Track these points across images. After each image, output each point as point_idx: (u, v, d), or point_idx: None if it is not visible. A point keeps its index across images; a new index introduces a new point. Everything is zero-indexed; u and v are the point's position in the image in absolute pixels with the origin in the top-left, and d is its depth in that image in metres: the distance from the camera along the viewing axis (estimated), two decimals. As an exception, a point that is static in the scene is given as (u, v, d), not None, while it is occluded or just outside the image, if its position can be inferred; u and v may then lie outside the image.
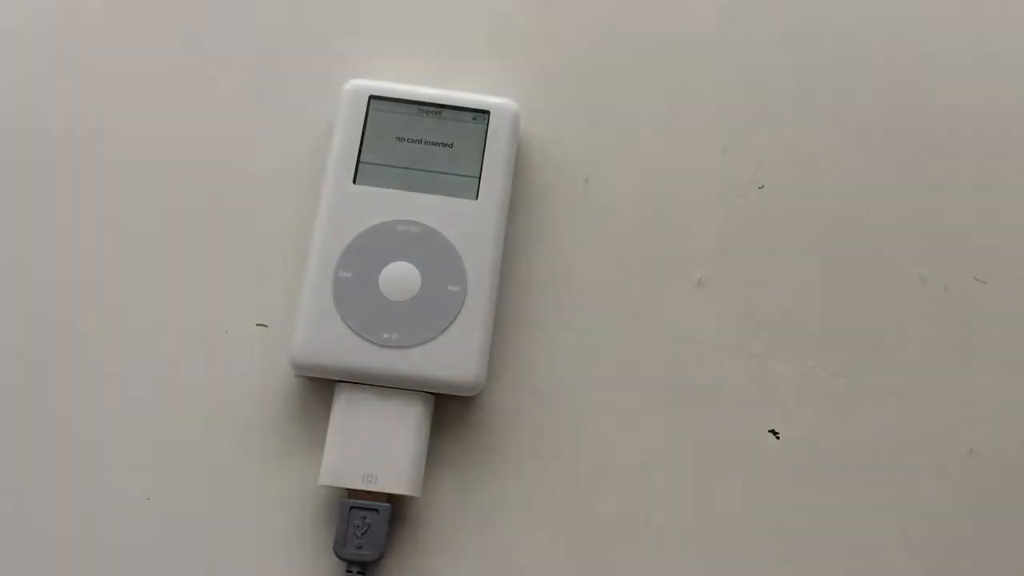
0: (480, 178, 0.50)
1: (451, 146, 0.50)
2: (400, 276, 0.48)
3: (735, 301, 0.52)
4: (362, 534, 0.46)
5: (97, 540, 0.47)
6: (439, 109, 0.51)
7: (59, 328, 0.50)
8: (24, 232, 0.52)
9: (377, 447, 0.46)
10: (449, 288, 0.48)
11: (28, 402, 0.49)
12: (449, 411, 0.49)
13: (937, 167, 0.56)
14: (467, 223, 0.49)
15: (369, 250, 0.48)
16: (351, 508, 0.46)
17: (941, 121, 0.57)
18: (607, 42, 0.57)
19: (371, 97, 0.51)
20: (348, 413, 0.47)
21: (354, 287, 0.48)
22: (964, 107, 0.57)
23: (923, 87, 0.57)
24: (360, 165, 0.49)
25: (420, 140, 0.50)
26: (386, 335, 0.47)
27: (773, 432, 0.50)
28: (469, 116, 0.51)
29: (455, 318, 0.47)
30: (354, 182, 0.49)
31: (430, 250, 0.48)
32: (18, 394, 0.49)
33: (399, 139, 0.50)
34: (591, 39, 0.57)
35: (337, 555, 0.46)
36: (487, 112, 0.51)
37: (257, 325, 0.50)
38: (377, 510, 0.46)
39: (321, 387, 0.49)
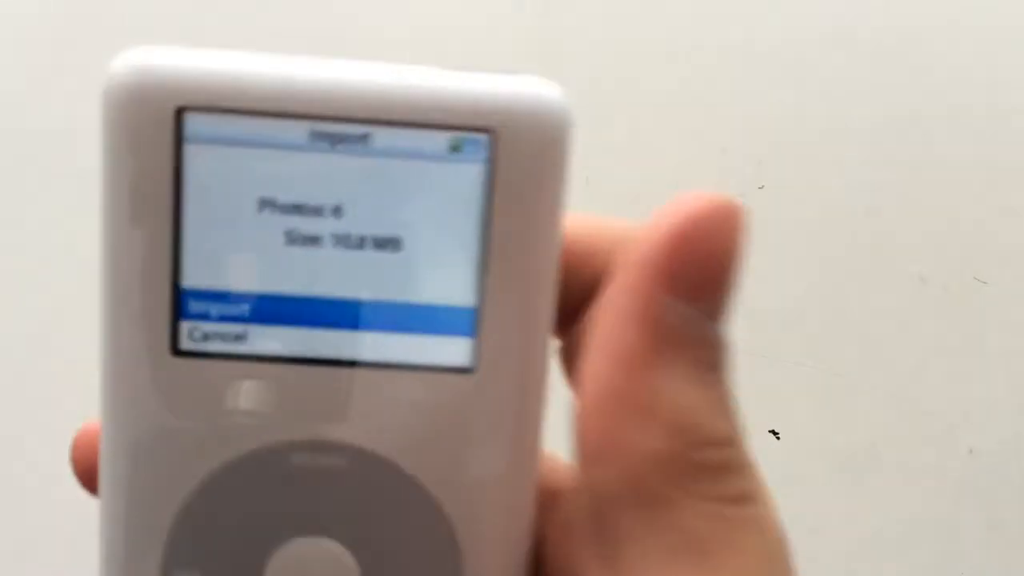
0: (481, 308, 0.22)
1: (402, 231, 0.22)
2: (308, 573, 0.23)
3: (736, 301, 0.52)
4: None
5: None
6: (364, 134, 0.21)
7: (58, 327, 0.50)
8: (23, 231, 0.52)
9: None
10: None
11: (28, 401, 0.49)
12: None
13: (938, 167, 0.56)
14: (456, 435, 0.22)
15: (234, 518, 0.22)
16: None
17: (942, 121, 0.57)
18: (607, 43, 0.57)
19: (182, 111, 0.21)
20: None
21: None
22: (965, 107, 0.57)
23: (925, 87, 0.57)
24: (183, 301, 0.22)
25: (319, 214, 0.22)
26: None
27: (773, 432, 0.50)
28: (442, 143, 0.21)
29: None
30: (175, 349, 0.22)
31: (376, 507, 0.22)
32: (19, 391, 0.49)
33: (270, 215, 0.22)
34: (592, 40, 0.57)
35: None
36: (487, 133, 0.21)
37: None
38: None
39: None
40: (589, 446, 0.21)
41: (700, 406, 0.20)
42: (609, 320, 0.21)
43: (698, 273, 0.20)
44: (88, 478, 0.25)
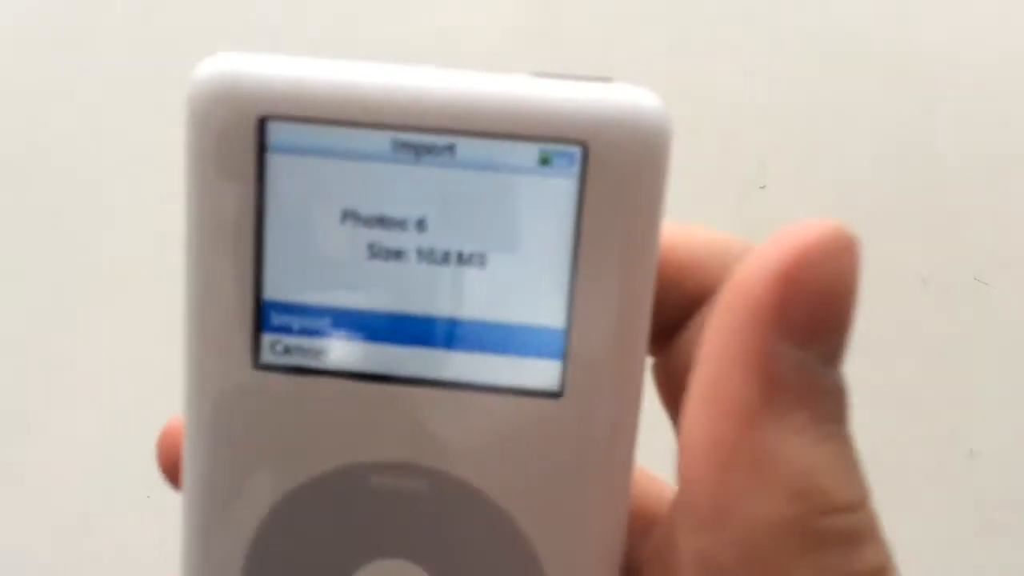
0: (570, 330, 0.21)
1: (488, 247, 0.21)
2: None
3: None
4: None
5: (98, 536, 0.47)
6: (448, 145, 0.20)
7: (61, 325, 0.50)
8: (32, 228, 0.51)
9: None
10: None
11: (30, 399, 0.49)
12: None
13: (940, 168, 0.56)
14: (543, 463, 0.21)
15: (312, 539, 0.22)
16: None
17: (945, 122, 0.57)
18: (606, 42, 0.57)
19: (265, 120, 0.20)
20: None
21: None
22: (968, 107, 0.57)
23: (927, 87, 0.57)
24: (266, 313, 0.21)
25: (403, 228, 0.21)
26: None
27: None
28: (531, 156, 0.20)
29: None
30: (258, 361, 0.21)
31: (458, 533, 0.22)
32: (20, 391, 0.49)
33: (352, 228, 0.21)
34: (591, 39, 0.57)
35: None
36: (579, 145, 0.20)
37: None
38: None
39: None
40: (698, 509, 0.18)
41: (823, 465, 0.18)
42: (715, 367, 0.18)
43: (814, 314, 0.18)
44: (171, 473, 0.24)
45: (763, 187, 0.55)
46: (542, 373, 0.21)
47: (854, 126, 0.56)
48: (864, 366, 0.52)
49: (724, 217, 0.54)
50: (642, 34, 0.57)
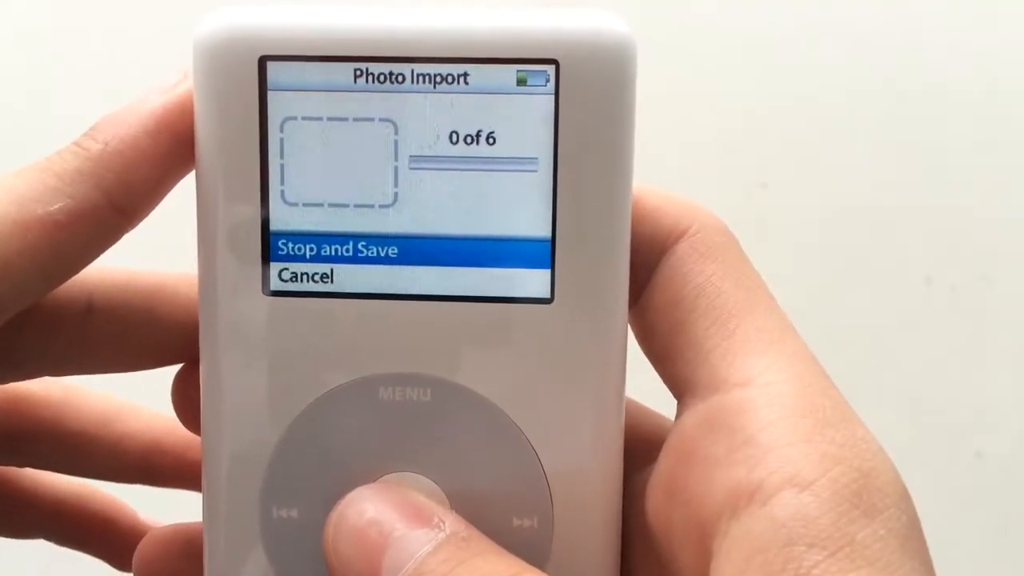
0: (554, 239, 0.23)
1: (475, 166, 0.23)
2: None
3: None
4: None
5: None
6: (434, 72, 0.22)
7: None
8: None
9: None
10: (514, 523, 0.23)
11: None
12: None
13: (944, 166, 0.56)
14: (538, 365, 0.23)
15: (326, 454, 0.23)
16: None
17: (949, 119, 0.56)
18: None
19: (265, 60, 0.22)
20: None
21: (307, 538, 0.23)
22: (973, 105, 0.57)
23: (929, 86, 0.57)
24: (272, 243, 0.23)
25: (397, 154, 0.23)
26: None
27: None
28: (509, 77, 0.22)
29: None
30: (267, 288, 0.23)
31: (462, 439, 0.23)
32: None
33: (347, 160, 0.23)
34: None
35: None
36: (551, 64, 0.22)
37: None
38: None
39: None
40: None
41: None
42: None
43: None
44: (186, 416, 0.26)
45: (765, 185, 0.54)
46: (533, 282, 0.22)
47: (857, 123, 0.56)
48: (869, 365, 0.51)
49: (726, 215, 0.53)
50: (643, 31, 0.57)
